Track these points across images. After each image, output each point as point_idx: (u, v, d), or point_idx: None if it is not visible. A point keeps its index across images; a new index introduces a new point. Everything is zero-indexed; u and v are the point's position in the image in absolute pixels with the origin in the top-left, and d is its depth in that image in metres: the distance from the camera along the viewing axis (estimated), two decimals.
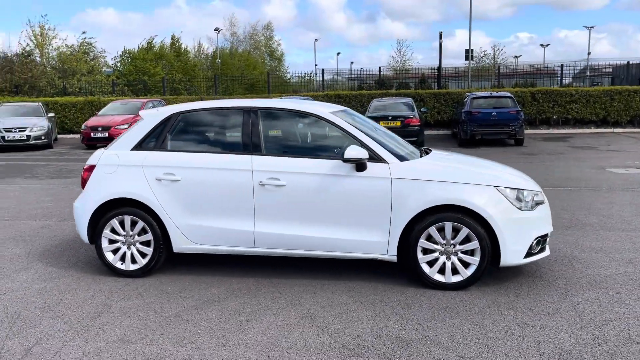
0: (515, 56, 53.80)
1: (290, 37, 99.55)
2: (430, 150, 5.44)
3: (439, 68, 24.08)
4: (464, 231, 4.45)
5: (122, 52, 31.64)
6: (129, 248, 4.95)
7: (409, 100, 17.51)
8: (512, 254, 4.46)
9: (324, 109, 4.95)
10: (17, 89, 24.52)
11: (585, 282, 4.65)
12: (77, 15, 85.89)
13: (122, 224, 4.93)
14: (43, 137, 17.86)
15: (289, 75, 41.11)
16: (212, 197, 4.78)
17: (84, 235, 5.05)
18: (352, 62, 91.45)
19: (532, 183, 4.89)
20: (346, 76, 27.25)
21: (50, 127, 18.41)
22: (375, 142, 4.71)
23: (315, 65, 62.29)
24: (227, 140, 4.99)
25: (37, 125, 17.87)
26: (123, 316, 4.07)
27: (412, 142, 15.95)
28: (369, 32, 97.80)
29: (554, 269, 5.02)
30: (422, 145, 16.01)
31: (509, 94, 17.38)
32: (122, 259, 4.96)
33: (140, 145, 5.02)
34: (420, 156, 5.07)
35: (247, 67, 44.39)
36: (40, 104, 19.45)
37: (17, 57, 25.93)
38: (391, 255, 4.60)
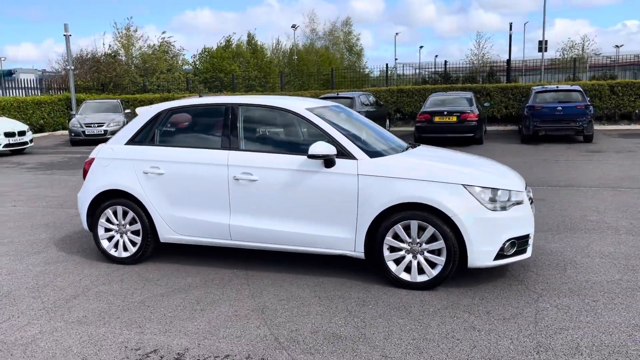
0: (617, 46, 50.22)
1: (378, 31, 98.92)
2: (416, 146, 5.34)
3: (509, 61, 23.04)
4: (430, 230, 4.35)
5: (202, 51, 33.10)
6: (121, 236, 5.28)
7: (470, 94, 16.96)
8: (480, 255, 4.31)
9: (300, 105, 5.00)
10: (104, 87, 26.38)
11: (566, 288, 4.39)
12: (177, 16, 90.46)
13: (115, 213, 5.27)
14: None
15: (367, 70, 41.09)
16: (192, 191, 4.99)
17: (84, 223, 5.45)
18: (436, 56, 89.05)
19: (515, 182, 4.66)
20: (412, 70, 26.71)
21: (125, 122, 19.62)
22: (346, 139, 4.71)
23: (396, 59, 61.35)
24: (209, 135, 5.19)
25: (114, 120, 19.15)
26: (94, 300, 4.37)
27: (468, 138, 15.69)
28: (459, 24, 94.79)
29: (542, 273, 4.77)
30: (480, 141, 15.52)
31: (577, 88, 16.35)
32: (116, 246, 5.30)
33: (133, 140, 5.33)
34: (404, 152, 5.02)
35: (323, 63, 44.74)
36: (119, 101, 20.82)
37: (104, 57, 27.87)
38: (358, 252, 4.58)
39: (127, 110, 20.70)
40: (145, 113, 5.40)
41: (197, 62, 32.21)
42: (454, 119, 15.41)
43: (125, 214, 5.24)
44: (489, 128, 19.76)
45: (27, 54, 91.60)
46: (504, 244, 4.35)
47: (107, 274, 5.01)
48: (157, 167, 5.09)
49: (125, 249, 5.27)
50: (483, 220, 4.29)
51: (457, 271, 4.51)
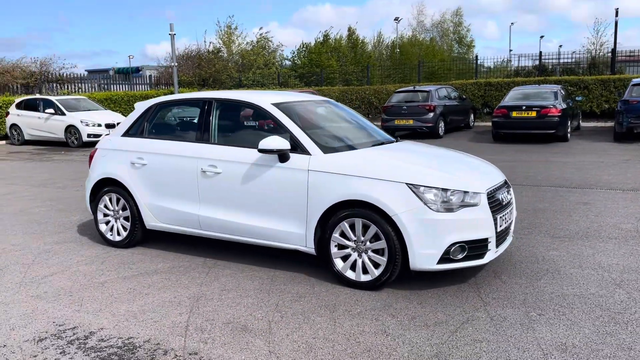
0: None
1: (502, 21, 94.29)
2: (399, 141, 5.26)
3: (613, 50, 20.96)
4: (373, 229, 4.24)
5: (300, 46, 33.87)
6: (116, 221, 5.70)
7: (557, 88, 15.76)
8: (421, 257, 4.12)
9: (266, 99, 5.06)
10: (204, 82, 28.01)
11: (520, 299, 4.06)
12: (299, 12, 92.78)
13: (111, 200, 5.70)
14: None
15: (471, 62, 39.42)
16: (169, 181, 5.26)
17: (88, 208, 5.96)
18: (560, 46, 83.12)
19: (475, 183, 4.34)
20: (531, 62, 25.06)
21: None
22: (303, 134, 4.70)
23: (510, 50, 58.25)
24: (187, 129, 5.42)
25: None
26: (65, 278, 4.79)
27: (549, 135, 14.59)
28: (598, 11, 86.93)
29: (510, 281, 4.44)
30: (564, 138, 14.38)
31: None
32: (112, 230, 5.73)
33: (127, 132, 5.72)
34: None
35: (427, 56, 43.70)
36: None
37: (208, 54, 29.56)
38: (309, 248, 4.57)
39: None
40: (139, 107, 5.76)
41: (296, 57, 33.01)
42: (533, 114, 14.44)
43: (118, 200, 5.65)
44: (584, 124, 18.25)
45: (163, 52, 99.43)
46: (450, 247, 4.11)
47: (97, 255, 5.44)
48: (142, 158, 5.43)
49: (118, 233, 5.68)
50: (425, 222, 4.09)
51: (431, 273, 4.32)
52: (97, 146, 5.95)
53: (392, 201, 4.14)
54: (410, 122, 16.54)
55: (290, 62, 33.51)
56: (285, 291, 4.35)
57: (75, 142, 17.37)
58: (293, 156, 4.61)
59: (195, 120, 5.33)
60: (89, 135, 17.32)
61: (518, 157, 11.84)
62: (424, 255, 4.11)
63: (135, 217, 5.51)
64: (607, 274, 4.54)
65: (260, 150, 4.57)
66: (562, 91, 15.60)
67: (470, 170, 4.64)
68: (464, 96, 19.14)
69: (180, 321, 3.83)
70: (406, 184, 4.16)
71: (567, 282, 4.40)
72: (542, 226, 6.10)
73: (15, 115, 18.67)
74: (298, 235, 4.59)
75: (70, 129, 17.52)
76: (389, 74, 33.70)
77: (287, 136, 4.69)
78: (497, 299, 4.09)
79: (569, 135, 14.85)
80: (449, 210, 4.13)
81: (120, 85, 26.53)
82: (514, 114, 14.74)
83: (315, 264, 4.90)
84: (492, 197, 4.39)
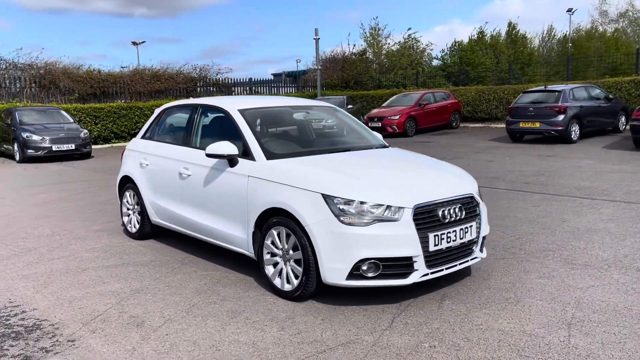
0: None
1: None
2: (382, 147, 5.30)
3: None
4: (292, 239, 4.15)
5: (452, 44, 32.68)
6: (133, 215, 6.31)
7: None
8: (330, 271, 3.93)
9: (233, 105, 5.17)
10: (347, 84, 28.61)
11: (427, 329, 3.67)
12: (484, 7, 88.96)
13: (129, 196, 6.32)
14: (334, 127, 20.69)
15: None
16: (161, 181, 5.68)
17: (118, 202, 6.67)
18: None
19: (405, 197, 3.99)
20: None
21: None
22: (254, 139, 4.74)
23: None
24: (179, 132, 5.77)
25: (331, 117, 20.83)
26: (61, 261, 5.44)
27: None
28: None
29: (446, 307, 4.01)
30: None
31: None
32: (130, 222, 6.36)
33: (143, 135, 6.29)
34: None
35: (609, 49, 39.11)
36: (345, 97, 22.47)
37: (353, 56, 30.13)
38: (251, 252, 4.62)
39: (350, 106, 22.15)
40: (156, 111, 6.29)
41: (446, 56, 31.95)
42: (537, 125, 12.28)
43: (133, 197, 6.24)
44: None
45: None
46: (359, 263, 3.86)
47: (109, 246, 6.07)
48: (146, 159, 5.94)
49: (134, 226, 6.28)
50: (334, 234, 3.89)
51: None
52: (126, 146, 6.63)
53: (306, 211, 4.02)
54: (537, 125, 15.11)
55: (440, 62, 32.56)
56: (216, 293, 4.46)
57: None
58: (241, 161, 4.70)
59: (185, 124, 5.68)
60: None
61: None
62: (333, 269, 3.92)
63: (144, 213, 6.04)
64: (574, 311, 3.85)
65: (207, 155, 4.73)
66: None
67: (411, 184, 4.25)
68: (611, 96, 16.87)
69: (97, 310, 4.17)
70: (321, 194, 4.00)
71: (510, 315, 3.83)
72: None
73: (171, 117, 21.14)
74: (242, 240, 4.66)
75: None
76: (557, 70, 30.96)
77: (240, 142, 4.79)
78: (407, 324, 3.74)
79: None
80: (362, 224, 3.87)
81: (273, 88, 28.32)
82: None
83: None
84: (426, 212, 3.99)
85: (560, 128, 14.75)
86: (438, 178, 4.49)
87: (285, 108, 5.63)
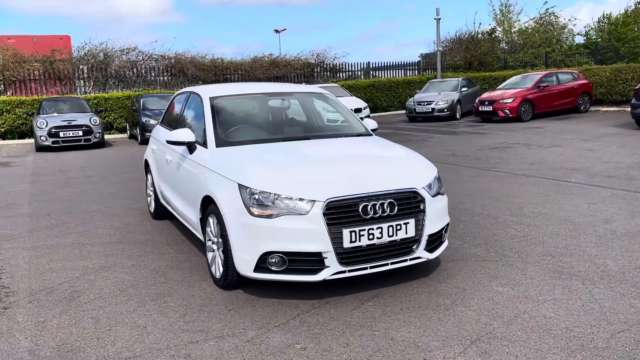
0: None
1: None
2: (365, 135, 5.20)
3: None
4: (219, 227, 4.14)
5: (600, 18, 29.20)
6: (151, 197, 6.71)
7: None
8: (240, 262, 3.88)
9: (206, 93, 5.22)
10: (470, 65, 27.06)
11: (308, 326, 3.45)
12: None
13: (149, 178, 6.73)
14: (445, 110, 19.83)
15: None
16: (159, 166, 5.99)
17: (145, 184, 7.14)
18: None
19: (331, 189, 3.76)
20: None
21: (455, 101, 20.09)
22: (211, 128, 4.78)
23: None
24: (174, 119, 5.98)
25: (442, 99, 19.97)
26: (79, 236, 5.98)
27: None
28: None
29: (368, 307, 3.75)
30: None
31: None
32: (151, 204, 6.77)
33: (161, 121, 6.63)
34: None
35: None
36: (459, 80, 21.36)
37: (480, 36, 28.34)
38: (202, 238, 4.68)
39: (464, 88, 21.00)
40: (172, 97, 6.59)
41: (591, 32, 28.67)
42: None
43: (150, 179, 6.64)
44: None
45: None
46: (265, 255, 3.73)
47: (128, 224, 6.51)
48: (154, 144, 6.27)
49: (152, 206, 6.69)
50: (243, 225, 3.82)
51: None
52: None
53: (225, 200, 3.98)
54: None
55: (584, 38, 29.35)
56: (165, 275, 4.60)
57: None
58: (198, 148, 4.77)
59: (178, 112, 5.88)
60: (328, 120, 19.06)
61: None
62: (242, 260, 3.85)
63: (157, 195, 6.41)
64: (498, 327, 3.36)
65: (167, 142, 4.87)
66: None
67: (337, 176, 3.95)
68: None
69: (53, 282, 4.53)
70: (238, 184, 3.92)
71: (421, 324, 3.45)
72: None
73: None
74: (197, 225, 4.75)
75: None
76: None
77: (203, 129, 4.86)
78: (304, 322, 3.56)
79: None
80: (269, 216, 3.73)
81: (392, 72, 27.79)
82: None
83: None
84: (343, 207, 3.72)
85: None
86: (375, 171, 4.15)
87: (261, 95, 5.56)
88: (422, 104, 20.17)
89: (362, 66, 27.28)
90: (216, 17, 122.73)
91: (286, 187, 3.80)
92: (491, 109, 18.02)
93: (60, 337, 3.50)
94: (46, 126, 15.79)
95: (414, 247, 3.99)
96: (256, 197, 3.80)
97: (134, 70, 22.56)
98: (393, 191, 3.90)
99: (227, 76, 23.81)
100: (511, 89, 18.61)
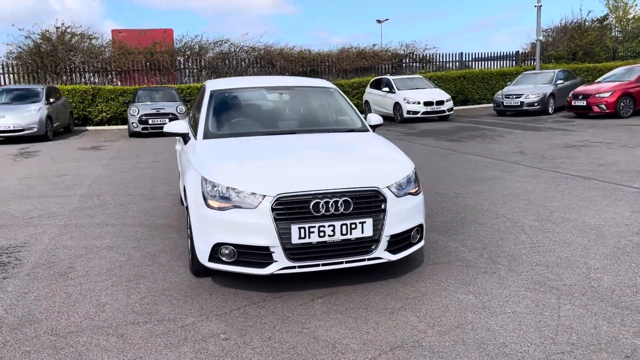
0: None
1: None
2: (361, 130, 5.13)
3: None
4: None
5: None
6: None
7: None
8: (198, 251, 4.02)
9: (213, 86, 5.39)
10: (574, 56, 25.06)
11: (244, 320, 3.50)
12: None
13: None
14: (536, 104, 18.66)
15: None
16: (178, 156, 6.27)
17: None
18: None
19: (285, 184, 3.77)
20: None
21: (547, 95, 18.83)
22: (203, 120, 4.95)
23: None
24: (193, 110, 6.21)
25: (533, 93, 18.81)
26: (108, 217, 6.45)
27: None
28: None
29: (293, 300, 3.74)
30: None
31: None
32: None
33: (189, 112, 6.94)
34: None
35: None
36: (555, 72, 19.98)
37: (591, 23, 26.12)
38: None
39: (560, 81, 19.60)
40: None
41: None
42: None
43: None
44: None
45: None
46: (216, 246, 3.84)
47: (157, 208, 6.88)
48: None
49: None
50: (200, 216, 3.95)
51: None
52: None
53: (190, 191, 4.15)
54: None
55: None
56: (153, 258, 4.85)
57: (399, 118, 19.08)
58: (191, 139, 4.96)
59: (195, 104, 6.11)
60: (408, 112, 18.71)
61: None
62: (199, 249, 3.98)
63: None
64: (426, 337, 3.21)
65: (163, 132, 5.11)
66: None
67: (295, 172, 3.94)
68: None
69: (59, 258, 4.94)
70: (202, 176, 4.05)
71: (352, 326, 3.38)
72: None
73: (367, 93, 21.75)
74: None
75: (397, 106, 19.31)
76: None
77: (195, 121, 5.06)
78: (244, 314, 3.62)
79: None
80: (221, 208, 3.82)
81: (483, 63, 26.61)
82: None
83: None
84: (294, 203, 3.72)
85: None
86: (338, 169, 4.06)
87: (259, 89, 5.62)
88: (511, 97, 19.14)
89: (454, 57, 26.35)
90: (327, 7, 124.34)
91: (241, 181, 3.86)
92: (585, 104, 16.69)
93: (30, 308, 3.85)
94: (137, 113, 17.02)
95: (372, 247, 3.88)
96: (215, 189, 3.90)
97: (226, 61, 23.55)
98: (349, 189, 3.81)
99: (314, 67, 24.11)
100: (611, 82, 17.09)
